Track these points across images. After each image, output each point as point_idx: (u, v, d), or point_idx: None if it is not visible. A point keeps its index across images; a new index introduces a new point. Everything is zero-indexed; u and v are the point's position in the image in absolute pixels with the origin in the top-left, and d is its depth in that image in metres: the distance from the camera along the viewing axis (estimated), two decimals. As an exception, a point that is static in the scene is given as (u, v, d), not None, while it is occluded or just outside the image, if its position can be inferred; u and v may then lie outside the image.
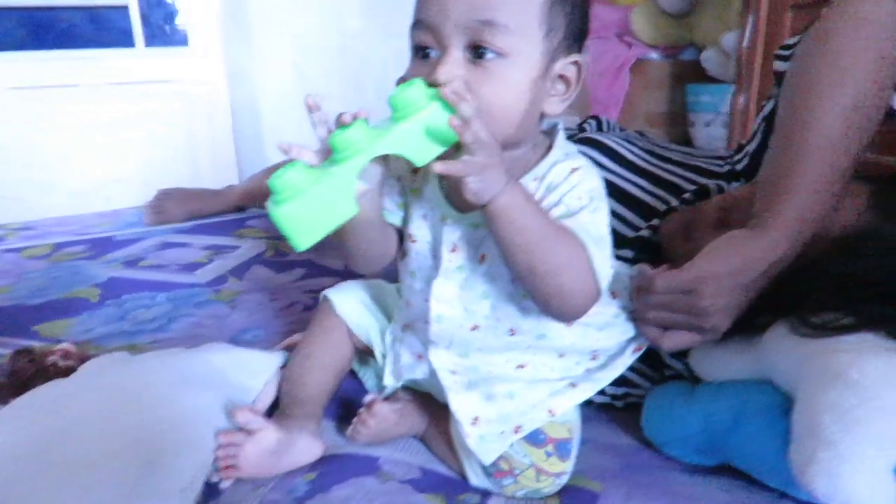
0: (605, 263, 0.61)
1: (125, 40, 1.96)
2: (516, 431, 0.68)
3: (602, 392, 0.85)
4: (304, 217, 0.53)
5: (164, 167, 2.01)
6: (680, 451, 0.73)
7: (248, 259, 1.43)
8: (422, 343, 0.74)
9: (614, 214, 0.93)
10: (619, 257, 0.90)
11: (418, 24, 0.60)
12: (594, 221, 0.61)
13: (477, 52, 0.58)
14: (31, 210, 1.87)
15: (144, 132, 2.00)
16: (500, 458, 0.69)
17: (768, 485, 0.68)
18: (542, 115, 0.64)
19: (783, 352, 0.64)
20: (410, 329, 0.77)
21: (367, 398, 0.77)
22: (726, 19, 2.17)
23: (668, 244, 0.85)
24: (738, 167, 0.91)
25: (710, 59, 2.24)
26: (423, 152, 0.55)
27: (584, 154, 0.97)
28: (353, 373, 0.90)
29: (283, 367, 0.86)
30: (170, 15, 2.01)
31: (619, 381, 0.85)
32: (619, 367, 0.74)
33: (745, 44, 1.94)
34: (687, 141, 2.39)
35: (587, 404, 0.88)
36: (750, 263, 0.66)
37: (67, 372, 0.83)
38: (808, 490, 0.57)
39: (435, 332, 0.70)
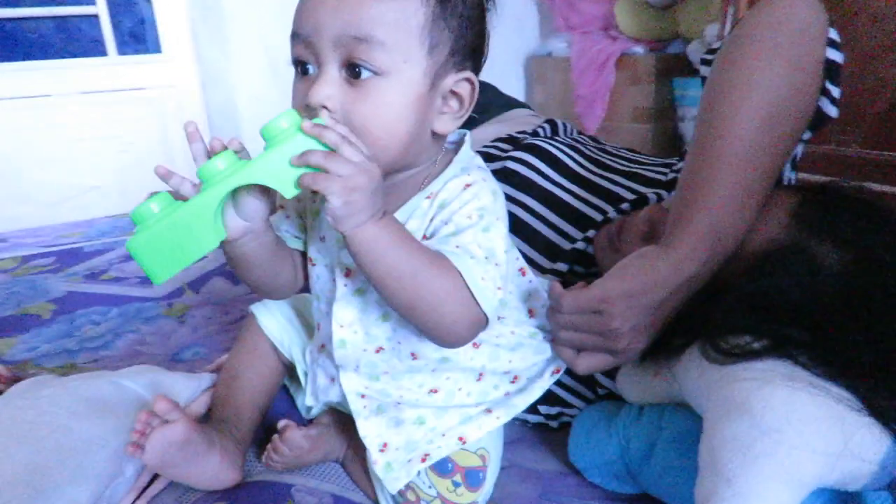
0: (489, 285, 0.57)
1: (97, 49, 1.94)
2: (423, 460, 0.66)
3: (535, 411, 0.83)
4: (159, 250, 0.51)
5: (140, 174, 2.00)
6: (600, 477, 0.70)
7: (209, 270, 1.42)
8: (334, 365, 0.72)
9: (551, 226, 0.90)
10: (553, 270, 0.87)
11: (295, 37, 0.57)
12: (481, 240, 0.58)
13: (353, 70, 0.55)
14: (5, 221, 1.87)
15: (119, 140, 2.00)
16: (408, 487, 0.66)
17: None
18: (434, 134, 0.61)
19: (693, 377, 0.61)
20: (325, 350, 0.74)
21: (281, 423, 0.75)
22: (711, 10, 2.11)
23: (599, 257, 0.82)
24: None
25: (695, 52, 2.18)
26: (290, 183, 0.52)
27: (523, 161, 0.96)
28: (286, 388, 0.87)
29: (212, 388, 0.84)
30: (141, 22, 1.99)
31: (552, 401, 0.82)
32: (537, 391, 0.70)
33: (726, 35, 1.88)
34: (677, 136, 2.34)
35: (522, 423, 0.85)
36: (658, 282, 0.62)
37: (-7, 396, 0.82)
38: (708, 528, 0.53)
39: (339, 356, 0.67)
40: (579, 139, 1.08)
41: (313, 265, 0.68)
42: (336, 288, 0.65)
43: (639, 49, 2.29)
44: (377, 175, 0.52)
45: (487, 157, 1.03)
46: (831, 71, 0.69)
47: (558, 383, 0.81)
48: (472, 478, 0.66)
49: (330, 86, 0.55)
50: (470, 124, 0.66)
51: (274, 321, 0.81)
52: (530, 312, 0.71)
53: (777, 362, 0.56)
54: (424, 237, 0.60)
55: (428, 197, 0.61)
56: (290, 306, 0.83)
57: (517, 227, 0.90)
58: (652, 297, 0.63)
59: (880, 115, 1.57)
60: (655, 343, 0.66)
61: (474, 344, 0.67)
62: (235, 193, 0.55)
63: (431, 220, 0.60)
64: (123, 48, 1.97)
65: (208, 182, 0.52)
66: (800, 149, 0.78)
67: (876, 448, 0.51)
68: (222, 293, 1.30)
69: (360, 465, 0.73)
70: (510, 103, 1.33)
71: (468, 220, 0.59)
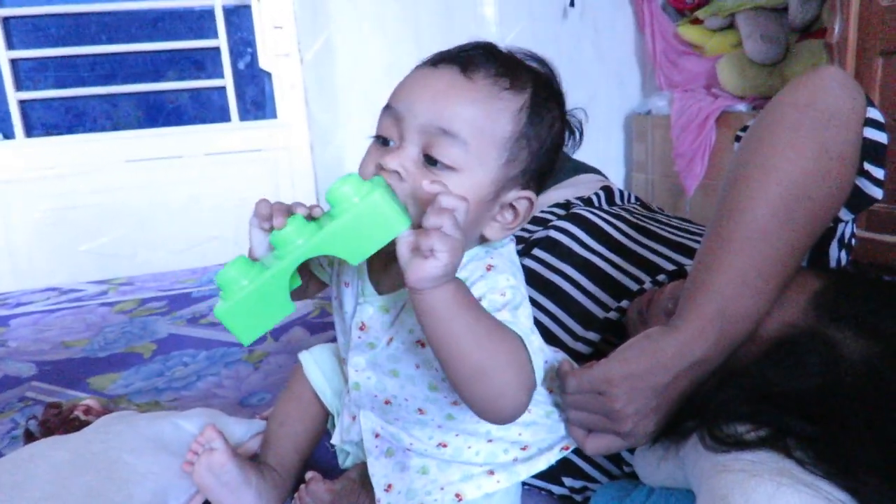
0: (538, 353, 0.59)
1: (223, 116, 2.19)
2: None
3: (560, 483, 0.82)
4: (245, 315, 0.57)
5: (253, 227, 2.20)
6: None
7: (292, 320, 1.53)
8: (356, 404, 0.76)
9: (587, 293, 0.90)
10: (585, 339, 0.86)
11: (387, 109, 0.61)
12: (518, 317, 0.59)
13: (430, 158, 0.58)
14: (139, 266, 2.12)
15: (237, 196, 2.21)
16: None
17: None
18: (482, 239, 0.64)
19: (692, 463, 0.58)
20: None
21: (309, 475, 0.80)
22: (818, 66, 2.01)
23: (630, 328, 0.81)
24: None
25: (804, 109, 2.06)
26: (359, 248, 0.54)
27: (564, 231, 0.97)
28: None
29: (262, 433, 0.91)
30: (262, 92, 2.22)
31: (578, 474, 0.81)
32: (542, 464, 0.70)
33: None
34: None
35: (548, 494, 0.84)
36: (661, 365, 0.61)
37: (84, 426, 0.94)
38: None
39: (354, 397, 0.72)
40: (631, 208, 1.07)
41: (339, 304, 0.72)
42: (351, 337, 0.69)
43: (741, 107, 2.21)
44: (462, 244, 0.52)
45: (541, 221, 1.05)
46: (872, 152, 0.66)
47: (585, 458, 0.81)
48: None
49: (408, 160, 0.58)
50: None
51: (318, 370, 0.85)
52: (549, 390, 0.71)
53: (769, 455, 0.53)
54: None
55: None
56: (335, 354, 0.88)
57: (555, 295, 0.91)
58: (655, 380, 0.61)
59: None
60: (666, 425, 0.64)
61: None
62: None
63: None
64: (245, 115, 2.20)
65: (281, 248, 0.56)
66: (848, 229, 0.74)
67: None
68: (300, 342, 1.40)
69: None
70: (578, 168, 1.34)
71: (502, 298, 0.60)
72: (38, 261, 2.09)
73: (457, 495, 0.68)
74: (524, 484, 0.79)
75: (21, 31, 2.02)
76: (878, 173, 0.67)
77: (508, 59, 0.63)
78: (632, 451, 0.74)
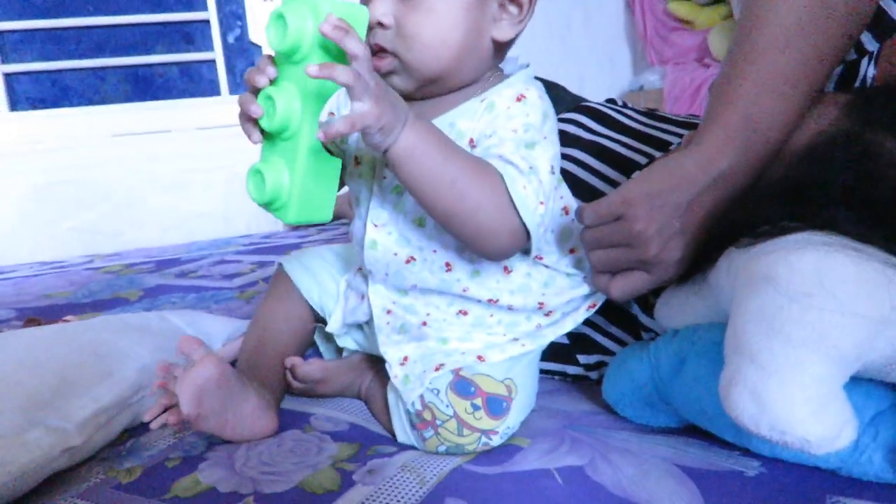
0: (531, 195, 0.55)
1: (213, 89, 2.16)
2: (437, 369, 0.62)
3: (575, 362, 0.77)
4: (313, 193, 0.54)
5: (243, 202, 2.15)
6: (631, 408, 0.63)
7: (285, 268, 1.47)
8: (365, 281, 0.70)
9: (596, 173, 0.86)
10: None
11: None
12: (524, 153, 0.56)
13: None
14: (126, 244, 2.06)
15: (227, 170, 2.16)
16: (425, 407, 0.62)
17: (727, 440, 0.56)
18: (496, 43, 0.61)
19: (723, 271, 0.54)
20: (360, 273, 0.73)
21: (289, 362, 0.73)
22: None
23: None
24: None
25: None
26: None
27: (572, 121, 0.93)
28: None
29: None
30: (252, 65, 2.19)
31: (592, 349, 0.76)
32: (569, 324, 0.67)
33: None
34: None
35: (562, 377, 0.79)
36: (683, 180, 0.58)
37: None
38: (732, 417, 0.46)
39: (369, 259, 0.65)
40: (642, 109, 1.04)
41: (357, 165, 0.67)
42: (374, 185, 0.64)
43: (735, 74, 2.20)
44: (383, 91, 0.51)
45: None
46: None
47: (599, 329, 0.76)
48: (495, 405, 0.61)
49: (384, 2, 0.57)
50: None
51: (302, 269, 0.79)
52: (571, 251, 0.67)
53: (814, 233, 0.49)
54: (471, 141, 0.60)
55: (481, 101, 0.60)
56: (328, 253, 0.83)
57: (565, 179, 0.87)
58: (677, 197, 0.58)
59: None
60: (695, 255, 0.60)
61: (505, 268, 0.64)
62: None
63: (479, 121, 0.60)
64: (236, 89, 2.17)
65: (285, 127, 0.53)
66: (871, 70, 0.71)
67: (934, 317, 0.42)
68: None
69: (380, 396, 0.70)
70: (576, 100, 1.32)
71: (513, 133, 0.58)
72: (22, 238, 2.02)
73: (479, 357, 0.63)
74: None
75: (5, 1, 1.99)
76: None
77: None
78: (651, 310, 0.70)
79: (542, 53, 2.47)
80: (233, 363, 0.79)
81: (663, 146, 0.84)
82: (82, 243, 2.05)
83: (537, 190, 0.55)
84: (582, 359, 0.76)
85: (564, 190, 0.68)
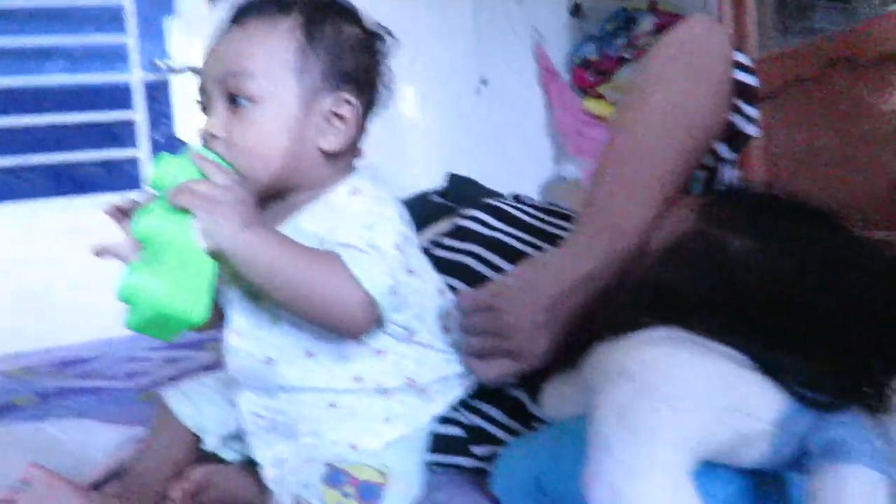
0: (374, 269, 0.58)
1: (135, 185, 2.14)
2: (309, 464, 0.62)
3: (469, 454, 0.77)
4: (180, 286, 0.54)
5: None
6: (518, 501, 0.62)
7: (198, 367, 1.42)
8: (234, 379, 0.69)
9: (494, 267, 0.88)
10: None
11: (199, 84, 0.65)
12: (364, 234, 0.59)
13: (233, 100, 0.62)
14: (35, 340, 1.96)
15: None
16: (298, 502, 0.60)
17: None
18: (325, 152, 0.65)
19: (588, 365, 0.55)
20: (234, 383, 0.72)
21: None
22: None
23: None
24: None
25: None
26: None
27: (474, 217, 0.96)
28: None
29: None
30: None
31: (485, 439, 0.76)
32: (440, 403, 0.68)
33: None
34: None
35: (456, 469, 0.77)
36: (551, 276, 0.63)
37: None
38: (593, 512, 0.46)
39: (233, 366, 0.66)
40: (536, 201, 1.09)
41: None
42: (230, 293, 0.65)
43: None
44: (241, 192, 0.58)
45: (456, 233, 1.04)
46: (744, 92, 0.72)
47: (493, 421, 0.76)
48: (367, 492, 0.60)
49: (216, 117, 0.62)
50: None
51: (183, 399, 0.73)
52: (445, 329, 0.69)
53: (661, 328, 0.51)
54: (320, 241, 0.61)
55: (324, 203, 0.64)
56: (201, 383, 0.76)
57: (464, 274, 0.89)
58: (546, 292, 0.62)
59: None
60: (563, 347, 0.62)
61: (379, 352, 0.65)
62: None
63: (323, 221, 0.62)
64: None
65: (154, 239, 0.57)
66: (730, 173, 0.77)
67: (769, 406, 0.45)
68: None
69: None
70: (490, 194, 1.37)
71: (351, 221, 0.61)
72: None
73: (352, 446, 0.62)
74: (431, 464, 0.73)
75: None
76: (752, 112, 0.72)
77: None
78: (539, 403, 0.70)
79: (477, 145, 2.58)
80: (118, 474, 0.75)
81: (555, 240, 0.88)
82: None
83: (381, 264, 0.58)
84: (477, 451, 0.76)
85: (435, 274, 0.72)
